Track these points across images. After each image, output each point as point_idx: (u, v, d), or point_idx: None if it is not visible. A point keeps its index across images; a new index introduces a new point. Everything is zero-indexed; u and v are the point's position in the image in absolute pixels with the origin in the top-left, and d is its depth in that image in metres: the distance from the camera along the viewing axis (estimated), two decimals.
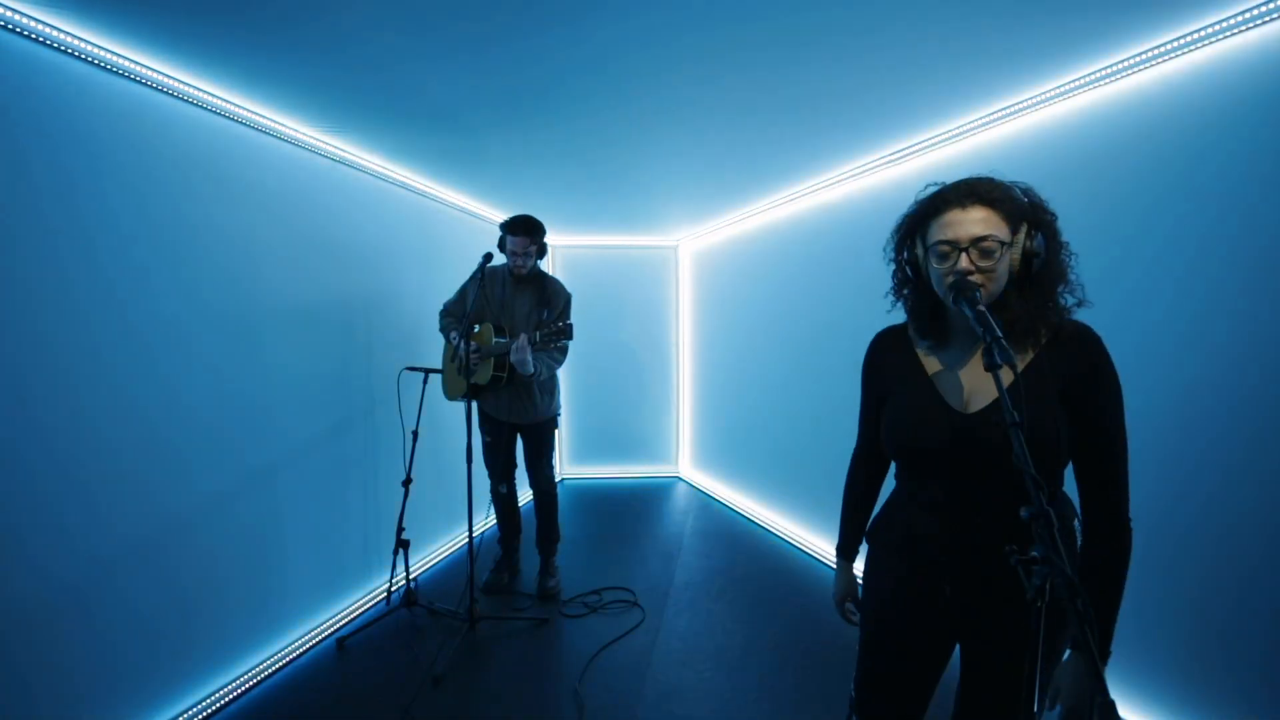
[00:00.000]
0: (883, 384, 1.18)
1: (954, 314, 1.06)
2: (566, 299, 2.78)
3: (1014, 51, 1.72)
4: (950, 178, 1.05)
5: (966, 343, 1.08)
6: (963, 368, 1.07)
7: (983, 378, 1.04)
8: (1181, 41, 1.60)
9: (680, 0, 1.47)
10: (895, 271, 1.15)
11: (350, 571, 2.68)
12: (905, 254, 1.09)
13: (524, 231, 2.65)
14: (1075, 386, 0.98)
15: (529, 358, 2.50)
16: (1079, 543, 1.03)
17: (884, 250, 1.17)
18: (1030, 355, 1.01)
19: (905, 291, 1.14)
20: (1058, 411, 0.97)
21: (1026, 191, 1.02)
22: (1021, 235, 0.98)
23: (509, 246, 2.67)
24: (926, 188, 1.08)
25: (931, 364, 1.11)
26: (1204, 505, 1.62)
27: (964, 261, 0.96)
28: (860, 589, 1.27)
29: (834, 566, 1.41)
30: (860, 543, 1.31)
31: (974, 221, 0.96)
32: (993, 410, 1.00)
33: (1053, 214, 1.02)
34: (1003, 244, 0.96)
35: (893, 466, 1.23)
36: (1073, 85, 1.87)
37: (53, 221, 1.56)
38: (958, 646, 1.13)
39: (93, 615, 1.65)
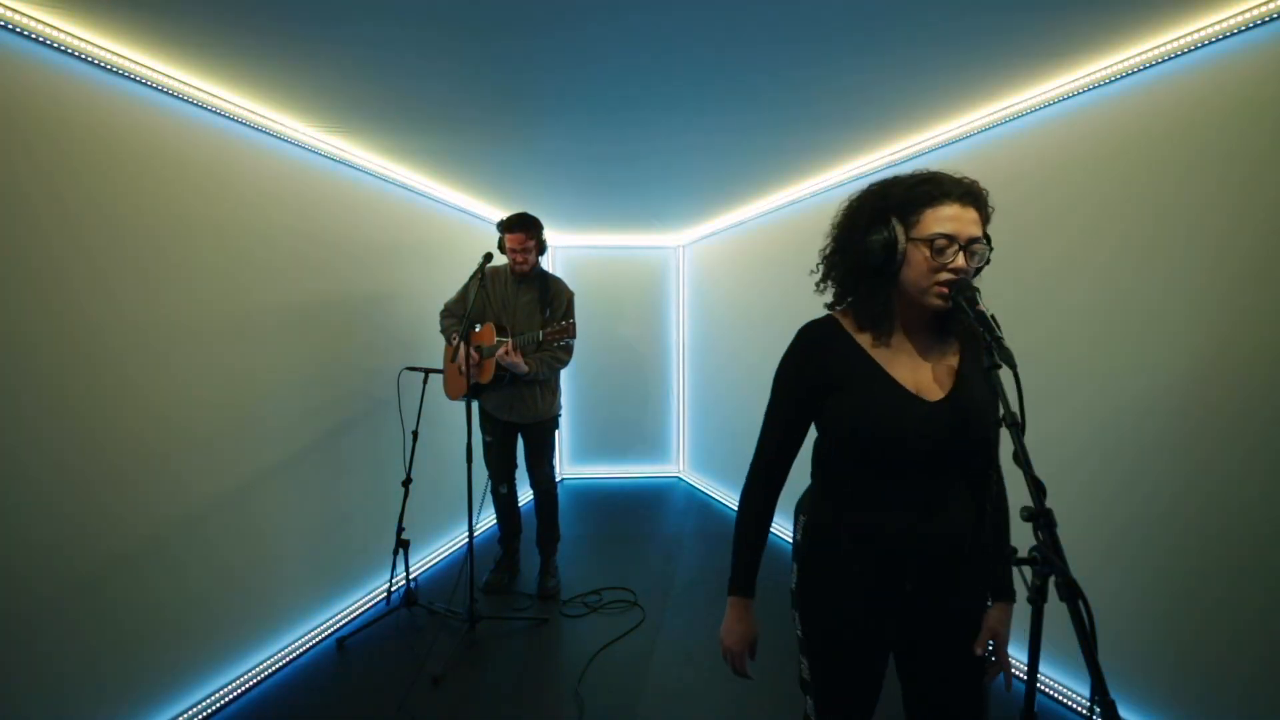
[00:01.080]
0: (823, 377, 1.07)
1: (903, 304, 1.04)
2: (569, 298, 2.78)
3: (1011, 56, 1.72)
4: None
5: (916, 332, 1.07)
6: (911, 359, 1.05)
7: (933, 367, 1.05)
8: (1184, 44, 1.61)
9: (680, 3, 1.47)
10: (847, 251, 1.08)
11: (350, 571, 2.68)
12: (886, 233, 0.99)
13: (520, 227, 2.65)
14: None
15: (519, 359, 2.50)
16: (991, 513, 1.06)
17: (832, 224, 1.11)
18: (957, 346, 1.07)
19: (862, 274, 1.05)
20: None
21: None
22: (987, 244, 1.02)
23: (507, 245, 2.67)
24: (915, 173, 1.03)
25: (879, 355, 1.05)
26: (1199, 504, 1.62)
27: (961, 260, 0.96)
28: (796, 617, 1.15)
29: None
30: (757, 574, 1.16)
31: (973, 222, 0.98)
32: (951, 399, 1.02)
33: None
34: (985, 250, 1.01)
35: (804, 473, 1.17)
36: (1073, 87, 1.88)
37: (49, 222, 1.56)
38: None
39: (93, 615, 1.65)
